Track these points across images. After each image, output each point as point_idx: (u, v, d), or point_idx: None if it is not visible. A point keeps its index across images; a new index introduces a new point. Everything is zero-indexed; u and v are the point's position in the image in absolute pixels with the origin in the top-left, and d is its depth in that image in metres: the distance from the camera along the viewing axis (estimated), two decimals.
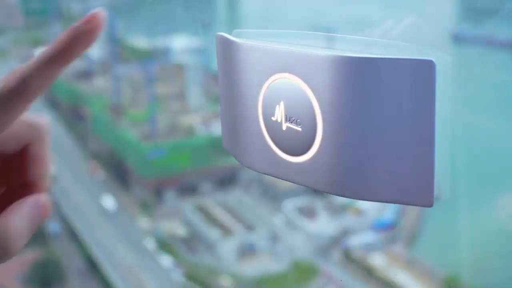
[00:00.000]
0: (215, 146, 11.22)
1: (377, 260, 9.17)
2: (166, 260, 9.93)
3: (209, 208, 11.13)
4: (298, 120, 0.52)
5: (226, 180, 11.53)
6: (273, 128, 0.54)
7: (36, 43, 17.11)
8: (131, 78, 13.92)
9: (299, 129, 0.52)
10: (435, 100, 0.45)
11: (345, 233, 9.87)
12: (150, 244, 10.32)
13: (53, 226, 10.83)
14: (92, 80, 14.75)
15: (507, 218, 8.20)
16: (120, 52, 15.07)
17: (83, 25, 0.46)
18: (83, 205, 11.66)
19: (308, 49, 0.51)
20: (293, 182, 0.55)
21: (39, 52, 0.47)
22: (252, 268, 9.67)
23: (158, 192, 11.47)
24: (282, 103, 0.53)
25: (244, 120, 0.57)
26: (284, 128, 0.53)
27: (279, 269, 9.61)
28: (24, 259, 9.55)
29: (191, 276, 9.66)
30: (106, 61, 14.87)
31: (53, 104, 15.27)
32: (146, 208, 11.40)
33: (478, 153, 8.67)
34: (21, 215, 0.48)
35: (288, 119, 0.53)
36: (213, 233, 10.40)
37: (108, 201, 11.66)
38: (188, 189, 11.57)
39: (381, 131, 0.48)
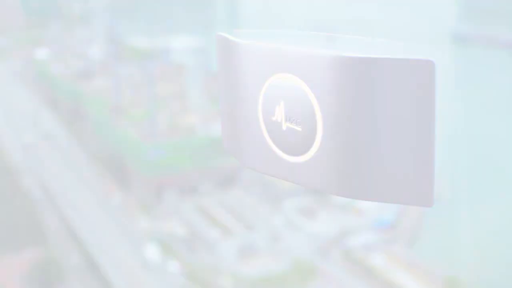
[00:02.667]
0: (215, 146, 11.21)
1: (377, 260, 9.16)
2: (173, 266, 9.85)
3: (209, 208, 11.12)
4: (298, 120, 0.52)
5: (226, 180, 11.52)
6: (273, 128, 0.54)
7: (36, 43, 17.10)
8: (131, 78, 13.91)
9: (299, 129, 0.52)
10: (435, 100, 0.45)
11: (345, 233, 9.85)
12: None
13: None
14: (92, 80, 14.74)
15: (507, 218, 8.20)
16: (120, 52, 15.07)
17: None
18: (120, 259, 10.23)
19: (308, 49, 0.50)
20: (293, 182, 0.54)
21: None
22: (252, 268, 9.66)
23: (158, 192, 11.45)
24: (282, 103, 0.53)
25: (244, 120, 0.57)
26: (284, 128, 0.53)
27: (279, 269, 9.59)
28: (24, 259, 9.55)
29: (191, 276, 9.65)
30: (106, 61, 14.86)
31: (53, 104, 15.27)
32: (146, 208, 11.39)
33: (478, 153, 8.66)
34: None
35: (288, 119, 0.52)
36: (213, 233, 10.39)
37: (152, 251, 9.96)
38: (188, 189, 11.56)
39: (381, 131, 0.48)
